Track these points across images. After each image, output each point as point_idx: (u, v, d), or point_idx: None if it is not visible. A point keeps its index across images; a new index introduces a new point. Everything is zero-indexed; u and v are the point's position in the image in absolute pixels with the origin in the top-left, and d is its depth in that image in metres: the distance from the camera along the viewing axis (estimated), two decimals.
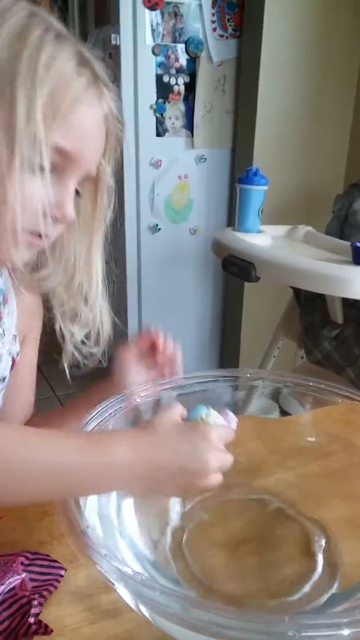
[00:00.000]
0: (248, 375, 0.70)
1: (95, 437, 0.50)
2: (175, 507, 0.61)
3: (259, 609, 0.50)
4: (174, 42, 1.99)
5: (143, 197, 2.12)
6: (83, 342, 0.72)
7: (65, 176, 0.55)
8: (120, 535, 0.52)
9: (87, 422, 0.54)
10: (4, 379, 0.70)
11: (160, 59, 1.99)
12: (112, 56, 1.99)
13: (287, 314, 1.77)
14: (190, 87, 2.06)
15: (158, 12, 1.93)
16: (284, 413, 1.95)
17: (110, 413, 0.56)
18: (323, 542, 0.57)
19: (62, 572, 0.52)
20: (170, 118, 2.07)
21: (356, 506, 0.60)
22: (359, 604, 0.49)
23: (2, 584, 0.47)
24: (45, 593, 0.49)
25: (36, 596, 0.48)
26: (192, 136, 2.12)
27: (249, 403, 0.76)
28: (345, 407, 0.65)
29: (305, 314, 1.62)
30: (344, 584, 0.52)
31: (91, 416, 0.55)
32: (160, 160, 2.10)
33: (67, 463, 0.45)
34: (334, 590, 0.51)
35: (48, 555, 0.53)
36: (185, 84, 2.05)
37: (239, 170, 2.04)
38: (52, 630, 0.45)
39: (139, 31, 1.92)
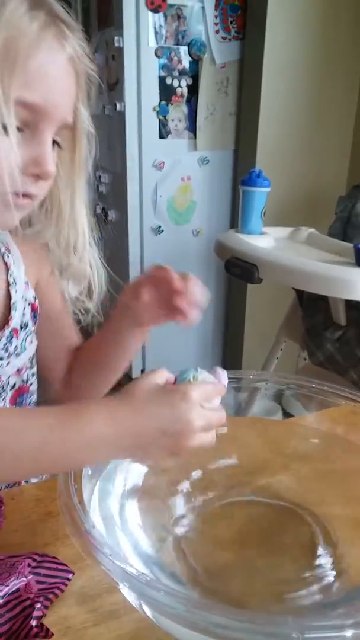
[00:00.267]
0: (251, 376, 0.70)
1: (71, 411, 0.48)
2: (179, 507, 0.61)
3: (262, 610, 0.50)
4: (177, 44, 1.99)
5: (146, 198, 2.13)
6: (78, 299, 0.73)
7: (38, 131, 0.53)
8: (124, 535, 0.52)
9: None
10: (25, 325, 0.71)
11: (163, 61, 1.99)
12: (115, 58, 2.00)
13: (289, 316, 1.77)
14: (193, 89, 2.07)
15: (161, 14, 1.93)
16: (286, 415, 1.95)
17: None
18: (326, 544, 0.57)
19: (70, 576, 0.51)
20: (173, 120, 2.07)
21: None
22: None
23: (7, 585, 0.47)
24: (51, 596, 0.49)
25: (41, 599, 0.47)
26: (195, 138, 2.12)
27: (251, 405, 0.76)
28: (348, 408, 0.65)
29: (308, 316, 1.62)
30: (348, 585, 0.52)
31: None
32: (163, 162, 2.10)
33: (42, 441, 0.45)
34: (337, 591, 0.51)
35: (56, 558, 0.52)
36: (188, 86, 2.06)
37: (242, 172, 2.04)
38: (52, 634, 0.45)
39: (142, 33, 1.92)
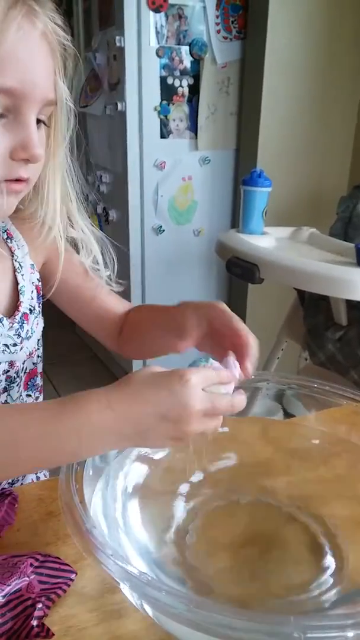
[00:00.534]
0: (252, 376, 0.70)
1: (67, 401, 0.46)
2: (180, 507, 0.61)
3: (264, 609, 0.50)
4: (178, 44, 1.99)
5: (147, 198, 2.13)
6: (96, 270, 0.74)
7: (21, 114, 0.52)
8: (125, 535, 0.52)
9: None
10: (33, 308, 0.71)
11: (165, 61, 1.99)
12: (116, 58, 2.00)
13: (290, 316, 1.77)
14: (195, 89, 2.07)
15: (162, 14, 1.93)
16: (287, 415, 1.95)
17: None
18: (328, 544, 0.57)
19: (73, 576, 0.51)
20: (174, 120, 2.07)
21: None
22: None
23: (8, 585, 0.47)
24: (53, 596, 0.48)
25: (43, 599, 0.47)
26: (196, 138, 2.12)
27: (252, 405, 0.76)
28: (349, 408, 0.65)
29: (309, 316, 1.62)
30: (350, 585, 0.52)
31: None
32: (164, 161, 2.10)
33: (40, 434, 0.44)
34: (339, 591, 0.51)
35: (59, 558, 0.52)
36: (190, 86, 2.06)
37: (243, 172, 2.04)
38: (53, 634, 0.45)
39: (143, 33, 1.92)
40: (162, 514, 0.60)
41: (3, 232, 0.70)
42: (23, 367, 0.71)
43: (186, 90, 2.06)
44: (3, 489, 0.62)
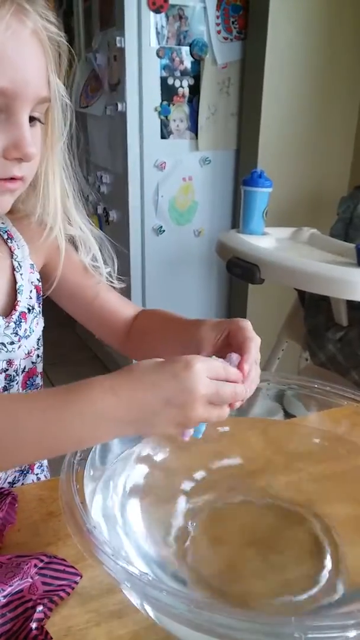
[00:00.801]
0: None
1: (71, 389, 0.46)
2: (181, 507, 0.61)
3: (265, 610, 0.50)
4: (179, 44, 1.99)
5: (147, 199, 2.13)
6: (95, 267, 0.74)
7: (13, 113, 0.52)
8: (125, 535, 0.52)
9: None
10: (32, 307, 0.71)
11: (165, 61, 1.99)
12: (117, 59, 2.00)
13: (291, 316, 1.77)
14: (195, 90, 2.07)
15: (163, 14, 1.93)
16: (288, 415, 1.95)
17: None
18: (329, 544, 0.57)
19: (77, 579, 0.51)
20: (174, 120, 2.07)
21: None
22: None
23: (10, 585, 0.47)
24: (55, 598, 0.48)
25: (45, 601, 0.47)
26: (197, 138, 2.12)
27: (253, 405, 0.76)
28: (350, 409, 0.65)
29: (310, 316, 1.62)
30: (350, 585, 0.52)
31: None
32: (165, 162, 2.10)
33: (43, 421, 0.44)
34: (340, 591, 0.51)
35: (65, 560, 0.52)
36: (190, 87, 2.06)
37: (244, 173, 2.04)
38: (51, 638, 0.45)
39: (143, 34, 1.93)
40: (163, 514, 0.60)
41: (4, 233, 0.70)
42: (21, 366, 0.71)
43: (186, 90, 2.06)
44: (2, 488, 0.62)
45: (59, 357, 2.65)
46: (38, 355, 0.75)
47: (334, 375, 1.54)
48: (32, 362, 0.74)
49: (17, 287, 0.69)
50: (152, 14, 1.91)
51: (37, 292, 0.73)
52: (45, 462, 0.84)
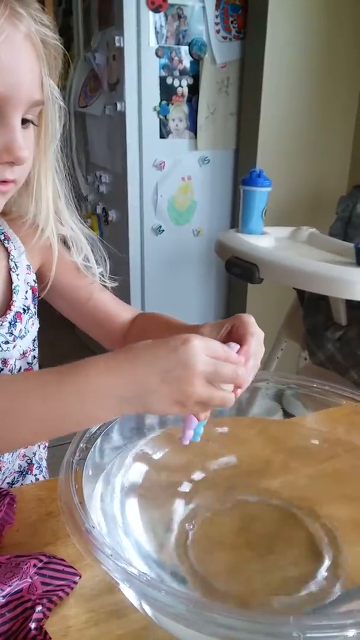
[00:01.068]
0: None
1: (69, 366, 0.46)
2: (180, 507, 0.61)
3: (263, 609, 0.50)
4: (178, 44, 1.99)
5: (146, 198, 2.13)
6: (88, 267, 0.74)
7: (5, 117, 0.52)
8: (125, 534, 0.52)
9: None
10: (28, 308, 0.72)
11: (164, 61, 1.99)
12: (115, 58, 2.00)
13: (290, 316, 1.77)
14: (194, 89, 2.07)
15: (162, 14, 1.93)
16: (287, 415, 1.95)
17: None
18: (327, 543, 0.57)
19: (76, 579, 0.51)
20: (173, 120, 2.07)
21: None
22: None
23: (9, 585, 0.47)
24: (54, 598, 0.48)
25: (44, 601, 0.47)
26: (196, 138, 2.12)
27: (252, 404, 0.76)
28: (349, 408, 0.65)
29: (309, 316, 1.62)
30: (349, 584, 0.52)
31: None
32: (164, 161, 2.10)
33: (42, 399, 0.44)
34: (338, 591, 0.51)
35: (64, 560, 0.52)
36: (189, 86, 2.06)
37: (243, 172, 2.04)
38: (50, 638, 0.45)
39: (142, 33, 1.92)
40: (162, 513, 0.60)
41: (0, 234, 0.70)
42: (16, 366, 0.71)
43: (185, 90, 2.06)
44: (0, 489, 0.62)
45: (58, 357, 2.64)
46: (34, 357, 0.75)
47: (333, 375, 1.54)
48: (28, 363, 0.74)
49: (13, 287, 0.69)
50: (151, 13, 1.91)
51: (32, 293, 0.73)
52: (44, 464, 0.84)
